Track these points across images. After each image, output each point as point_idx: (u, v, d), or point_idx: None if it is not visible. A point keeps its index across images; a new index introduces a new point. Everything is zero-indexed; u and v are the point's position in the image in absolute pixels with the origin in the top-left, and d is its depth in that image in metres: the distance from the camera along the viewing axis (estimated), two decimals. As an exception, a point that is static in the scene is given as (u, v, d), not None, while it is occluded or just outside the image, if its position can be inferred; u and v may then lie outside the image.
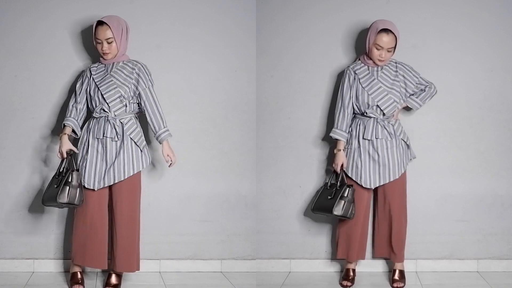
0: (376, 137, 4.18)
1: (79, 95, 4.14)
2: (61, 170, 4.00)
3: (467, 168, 4.51)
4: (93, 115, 4.10)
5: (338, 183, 4.20)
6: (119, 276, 4.19)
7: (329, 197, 4.18)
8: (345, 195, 4.14)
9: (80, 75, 4.23)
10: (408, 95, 4.27)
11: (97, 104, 4.08)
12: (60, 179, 3.94)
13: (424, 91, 4.28)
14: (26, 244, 4.45)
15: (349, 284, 4.28)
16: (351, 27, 4.48)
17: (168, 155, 4.18)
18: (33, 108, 4.41)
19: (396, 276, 4.30)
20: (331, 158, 4.50)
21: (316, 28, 4.51)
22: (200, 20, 4.49)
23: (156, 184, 4.51)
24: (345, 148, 4.26)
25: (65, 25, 4.38)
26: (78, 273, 4.19)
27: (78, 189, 3.92)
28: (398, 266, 4.33)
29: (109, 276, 4.19)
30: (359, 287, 4.31)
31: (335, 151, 4.28)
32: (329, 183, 4.28)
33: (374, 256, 4.45)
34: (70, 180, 3.91)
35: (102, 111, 4.07)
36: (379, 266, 4.54)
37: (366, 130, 4.20)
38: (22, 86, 4.40)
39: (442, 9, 4.45)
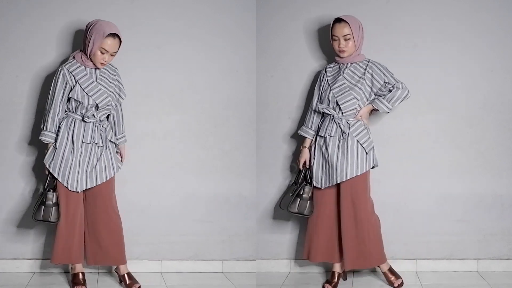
0: (329, 134, 4.13)
1: (61, 101, 4.06)
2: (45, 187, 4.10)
3: (467, 168, 4.50)
4: (80, 119, 4.07)
5: (299, 181, 4.23)
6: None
7: (290, 194, 4.21)
8: (301, 193, 4.16)
9: (60, 80, 4.04)
10: (374, 95, 4.16)
11: (87, 109, 4.08)
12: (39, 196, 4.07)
13: (391, 91, 4.14)
14: (27, 244, 4.46)
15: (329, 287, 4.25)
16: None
17: (121, 156, 4.33)
18: (34, 108, 4.42)
19: (390, 276, 4.26)
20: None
21: (316, 28, 4.50)
22: (201, 20, 4.49)
23: (157, 184, 4.52)
24: (310, 145, 4.25)
25: (66, 25, 4.38)
26: (80, 273, 4.20)
27: (53, 208, 4.02)
28: (384, 267, 4.28)
29: (122, 275, 4.26)
30: (361, 286, 4.31)
31: (301, 147, 4.29)
32: (294, 180, 4.30)
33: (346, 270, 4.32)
34: (45, 200, 4.03)
35: (92, 116, 4.08)
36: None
37: (322, 128, 4.18)
38: (23, 86, 4.41)
39: (442, 9, 4.44)
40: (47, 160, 4.07)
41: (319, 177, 4.19)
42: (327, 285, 4.24)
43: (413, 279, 4.37)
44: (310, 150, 4.26)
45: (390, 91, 4.13)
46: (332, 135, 4.12)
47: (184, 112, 4.53)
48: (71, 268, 4.24)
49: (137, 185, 4.50)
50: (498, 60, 4.45)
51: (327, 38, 4.44)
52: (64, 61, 4.32)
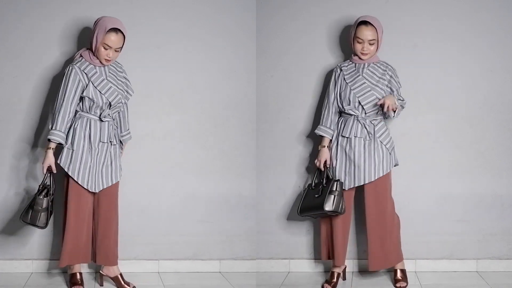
0: (355, 135, 4.13)
1: (73, 100, 3.98)
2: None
3: (467, 168, 4.51)
4: (96, 119, 4.04)
5: (324, 180, 4.16)
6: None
7: (316, 196, 4.13)
8: (334, 189, 4.07)
9: (72, 79, 3.96)
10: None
11: (102, 108, 4.04)
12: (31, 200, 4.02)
13: (401, 100, 4.17)
14: (25, 244, 4.44)
15: (328, 287, 4.24)
16: (350, 27, 4.48)
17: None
18: (33, 109, 4.40)
19: (399, 276, 4.28)
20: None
21: (316, 28, 4.51)
22: (201, 20, 4.49)
23: (156, 184, 4.51)
24: (329, 145, 4.23)
25: (66, 26, 4.37)
26: (78, 273, 4.18)
27: (41, 213, 3.98)
28: (399, 266, 4.31)
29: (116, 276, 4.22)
30: (360, 286, 4.30)
31: (319, 147, 4.26)
32: (313, 183, 4.24)
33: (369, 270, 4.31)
34: (33, 205, 3.99)
35: (108, 115, 4.06)
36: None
37: (345, 128, 4.16)
38: (22, 87, 4.39)
39: (442, 9, 4.45)
40: (64, 163, 3.99)
41: (342, 178, 4.17)
42: (326, 285, 4.23)
43: (413, 279, 4.36)
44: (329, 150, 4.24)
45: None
46: (358, 135, 4.12)
47: (184, 112, 4.52)
48: (69, 268, 4.21)
49: (137, 185, 4.48)
50: (498, 60, 4.46)
51: (327, 38, 4.46)
52: (69, 60, 4.30)
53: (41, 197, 3.98)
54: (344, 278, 4.35)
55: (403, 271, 4.30)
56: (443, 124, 4.48)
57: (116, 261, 4.19)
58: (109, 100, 4.02)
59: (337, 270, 4.29)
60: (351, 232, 4.49)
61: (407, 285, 4.24)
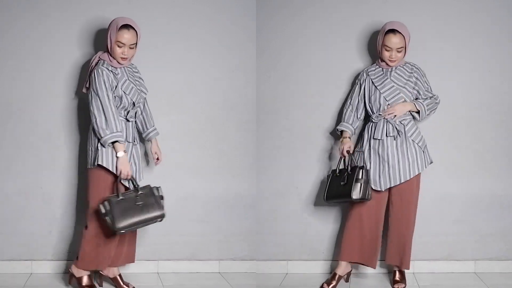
0: (387, 135, 4.16)
1: (113, 101, 3.95)
2: None
3: (464, 168, 4.52)
4: (124, 119, 4.03)
5: (349, 168, 4.17)
6: None
7: (342, 183, 4.14)
8: (360, 177, 4.08)
9: (105, 80, 3.93)
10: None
11: (128, 108, 4.05)
12: None
13: (430, 99, 4.24)
14: (24, 245, 4.43)
15: None
16: (350, 27, 4.49)
17: (156, 153, 4.27)
18: (31, 109, 4.39)
19: (397, 277, 4.30)
20: (329, 159, 4.56)
21: (315, 28, 4.51)
22: (200, 20, 4.48)
23: (156, 184, 4.47)
24: (350, 136, 4.27)
25: (63, 25, 4.36)
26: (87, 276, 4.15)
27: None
28: (397, 267, 4.32)
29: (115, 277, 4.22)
30: (358, 287, 4.32)
31: (341, 139, 4.29)
32: (337, 170, 4.24)
33: (386, 264, 4.40)
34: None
35: (132, 116, 4.07)
36: (378, 266, 4.52)
37: (376, 130, 4.19)
38: (20, 87, 4.38)
39: (441, 9, 4.46)
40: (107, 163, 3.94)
41: (377, 180, 4.18)
42: (325, 285, 4.23)
43: (411, 280, 4.38)
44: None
45: (428, 98, 4.24)
46: (390, 134, 4.14)
47: (183, 112, 4.51)
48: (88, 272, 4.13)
49: (135, 185, 4.47)
50: (496, 61, 4.47)
51: (327, 38, 4.46)
52: (87, 62, 4.31)
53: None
54: (347, 280, 4.33)
55: (401, 272, 4.32)
56: (441, 124, 4.48)
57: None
58: (133, 100, 4.02)
59: (339, 273, 4.26)
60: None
61: (405, 286, 4.26)
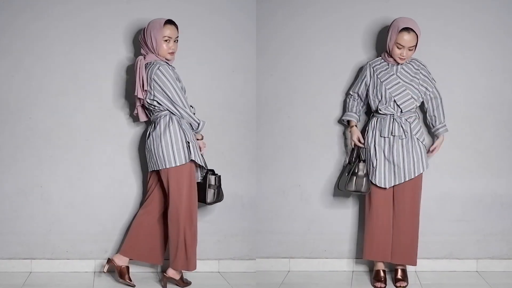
0: (393, 134, 4.17)
1: None
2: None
3: (466, 168, 4.52)
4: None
5: (353, 159, 4.27)
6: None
7: (346, 174, 4.25)
8: (356, 171, 4.20)
9: (174, 79, 4.11)
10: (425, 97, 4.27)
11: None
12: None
13: (441, 105, 4.30)
14: (23, 244, 4.43)
15: (382, 285, 4.24)
16: (351, 26, 4.50)
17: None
18: (29, 108, 4.40)
19: (399, 275, 4.29)
20: (331, 157, 4.55)
21: (315, 28, 4.51)
22: (200, 20, 4.48)
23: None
24: (357, 125, 4.33)
25: (62, 24, 4.37)
26: (381, 271, 4.30)
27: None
28: (400, 265, 4.32)
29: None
30: (360, 286, 4.30)
31: (349, 129, 4.35)
32: (347, 160, 4.37)
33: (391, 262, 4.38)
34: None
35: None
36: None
37: (383, 128, 4.20)
38: (19, 86, 4.38)
39: (442, 9, 4.46)
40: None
41: (382, 177, 4.21)
42: (378, 283, 4.26)
43: (413, 278, 4.37)
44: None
45: (437, 104, 4.30)
46: (396, 134, 4.16)
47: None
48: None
49: (136, 186, 4.48)
50: (497, 60, 4.48)
51: (327, 37, 4.46)
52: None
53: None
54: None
55: (403, 271, 4.31)
56: (442, 123, 4.48)
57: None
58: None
59: (380, 267, 4.32)
60: (351, 230, 4.53)
61: (407, 284, 4.25)
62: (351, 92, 4.38)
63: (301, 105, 4.55)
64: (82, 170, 4.45)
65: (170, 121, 4.06)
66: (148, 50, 4.09)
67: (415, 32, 4.10)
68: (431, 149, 4.30)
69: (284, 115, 4.56)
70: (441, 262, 4.54)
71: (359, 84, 4.32)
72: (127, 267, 4.23)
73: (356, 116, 4.34)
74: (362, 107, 4.37)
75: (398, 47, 4.13)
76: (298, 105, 4.56)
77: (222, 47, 4.51)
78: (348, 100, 4.40)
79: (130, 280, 4.20)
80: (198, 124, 4.12)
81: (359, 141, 4.28)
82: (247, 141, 4.56)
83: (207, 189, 4.19)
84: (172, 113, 4.07)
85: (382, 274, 4.29)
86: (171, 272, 4.19)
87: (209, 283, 4.37)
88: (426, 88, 4.23)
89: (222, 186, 4.29)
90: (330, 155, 4.55)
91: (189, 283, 4.27)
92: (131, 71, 4.38)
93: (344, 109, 4.46)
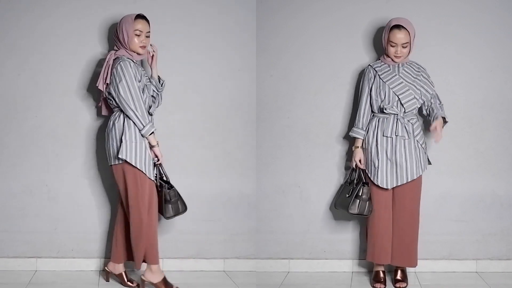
0: (396, 134, 4.18)
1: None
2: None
3: (466, 168, 4.52)
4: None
5: (355, 181, 4.25)
6: None
7: (347, 195, 4.23)
8: (360, 194, 4.18)
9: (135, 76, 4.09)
10: (427, 98, 4.26)
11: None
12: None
13: (437, 104, 4.28)
14: (29, 242, 4.47)
15: (382, 286, 4.27)
16: (351, 26, 4.50)
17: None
18: (36, 107, 4.44)
19: (399, 276, 4.30)
20: (330, 157, 4.57)
21: (316, 27, 4.52)
22: (201, 20, 4.50)
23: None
24: (363, 145, 4.29)
25: (68, 23, 4.40)
26: (381, 272, 4.32)
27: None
28: (400, 266, 4.33)
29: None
30: (360, 287, 4.32)
31: (353, 148, 4.31)
32: (348, 180, 4.33)
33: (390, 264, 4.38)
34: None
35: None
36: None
37: (386, 127, 4.20)
38: (25, 85, 4.42)
39: (442, 9, 4.45)
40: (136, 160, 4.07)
41: (384, 178, 4.21)
42: (377, 284, 4.28)
43: (412, 279, 4.38)
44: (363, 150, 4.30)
45: (437, 104, 4.28)
46: (400, 134, 4.17)
47: (187, 111, 4.54)
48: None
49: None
50: (497, 60, 4.46)
51: (327, 37, 4.48)
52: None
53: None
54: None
55: (403, 271, 4.32)
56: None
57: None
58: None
59: (380, 268, 4.33)
60: (352, 230, 4.55)
61: (407, 285, 4.27)
62: (363, 103, 4.28)
63: (301, 104, 4.57)
64: (88, 169, 4.50)
65: (118, 118, 4.04)
66: (120, 45, 4.10)
67: (406, 30, 4.10)
68: (430, 129, 4.17)
69: (284, 114, 4.58)
70: (440, 262, 4.54)
71: (363, 91, 4.28)
72: (125, 272, 4.26)
73: (362, 132, 4.26)
74: (370, 116, 4.29)
75: (391, 45, 4.15)
76: (298, 104, 4.57)
77: (222, 47, 4.53)
78: (361, 112, 4.29)
79: (132, 283, 4.25)
80: (144, 127, 3.99)
81: (361, 162, 4.27)
82: (252, 140, 4.57)
83: (164, 204, 4.13)
84: (121, 110, 4.05)
85: (381, 275, 4.31)
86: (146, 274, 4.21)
87: (214, 282, 4.40)
88: (427, 91, 4.23)
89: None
90: (330, 155, 4.57)
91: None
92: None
93: (341, 116, 4.46)
